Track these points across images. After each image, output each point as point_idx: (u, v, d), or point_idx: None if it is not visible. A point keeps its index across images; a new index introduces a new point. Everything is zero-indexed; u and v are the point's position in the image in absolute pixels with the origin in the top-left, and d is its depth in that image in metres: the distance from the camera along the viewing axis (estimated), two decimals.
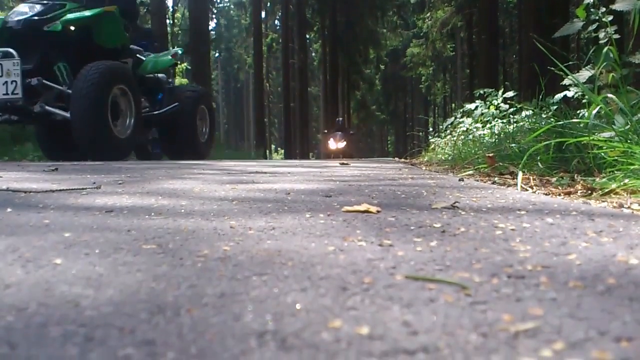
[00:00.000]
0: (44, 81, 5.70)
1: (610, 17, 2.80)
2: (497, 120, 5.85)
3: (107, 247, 0.92)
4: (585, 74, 2.89)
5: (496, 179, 2.83)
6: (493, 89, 6.83)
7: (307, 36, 32.34)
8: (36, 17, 5.91)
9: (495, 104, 6.34)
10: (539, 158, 2.83)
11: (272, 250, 0.89)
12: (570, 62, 3.30)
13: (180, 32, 29.27)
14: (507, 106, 6.02)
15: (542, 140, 2.84)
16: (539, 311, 0.56)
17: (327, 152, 19.39)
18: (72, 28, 5.95)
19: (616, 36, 2.78)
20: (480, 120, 6.49)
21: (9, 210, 1.41)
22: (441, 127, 9.66)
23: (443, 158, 6.35)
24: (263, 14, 34.33)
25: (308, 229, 1.10)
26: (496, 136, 5.00)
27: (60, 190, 1.95)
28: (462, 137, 6.53)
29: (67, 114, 5.71)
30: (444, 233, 1.04)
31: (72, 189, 1.98)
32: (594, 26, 2.86)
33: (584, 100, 3.19)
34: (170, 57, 7.60)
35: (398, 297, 0.62)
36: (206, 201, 1.63)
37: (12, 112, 5.91)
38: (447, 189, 2.03)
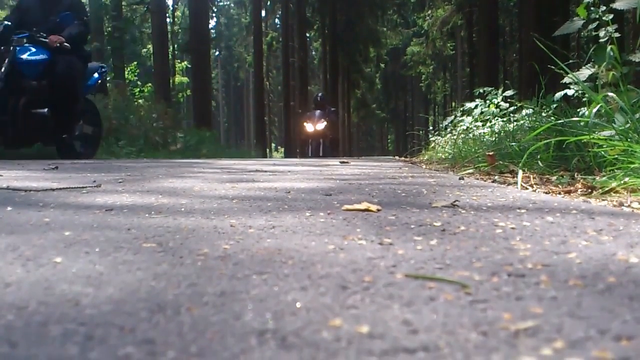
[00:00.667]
0: None
1: (611, 16, 2.80)
2: (497, 119, 5.85)
3: (107, 245, 0.92)
4: (585, 72, 2.89)
5: (496, 177, 2.83)
6: (493, 88, 6.83)
7: (307, 35, 32.32)
8: None
9: (496, 102, 6.34)
10: (539, 157, 2.82)
11: (272, 249, 0.89)
12: (570, 61, 3.29)
13: (180, 30, 29.24)
14: (507, 105, 6.02)
15: (542, 138, 2.84)
16: (539, 310, 0.56)
17: (304, 137, 15.64)
18: None
19: (617, 35, 2.78)
20: (481, 119, 6.48)
21: (9, 208, 1.41)
22: (441, 125, 9.65)
23: (443, 157, 6.35)
24: (263, 13, 34.31)
25: (308, 228, 1.10)
26: (496, 135, 5.00)
27: (60, 188, 1.95)
28: (462, 135, 6.53)
29: None
30: (444, 232, 1.04)
31: (72, 188, 1.98)
32: (595, 25, 2.86)
33: (584, 99, 3.18)
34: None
35: (398, 295, 0.62)
36: (206, 200, 1.63)
37: None
38: (447, 188, 2.03)
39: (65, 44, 6.23)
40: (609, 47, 2.69)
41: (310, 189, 2.02)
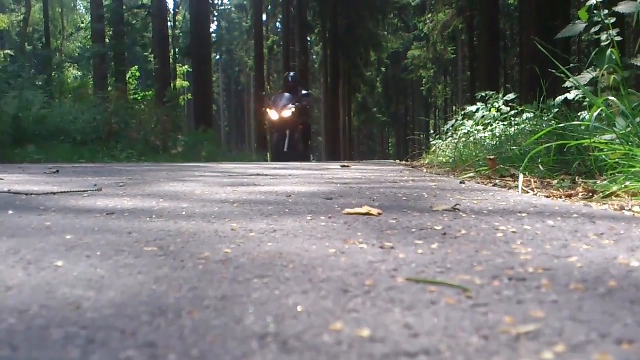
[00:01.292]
0: None
1: (613, 19, 2.80)
2: (498, 123, 5.85)
3: (109, 249, 0.92)
4: (586, 76, 2.89)
5: (497, 181, 2.83)
6: (494, 92, 6.82)
7: (308, 39, 32.34)
8: None
9: (497, 106, 6.33)
10: (540, 160, 2.82)
11: (273, 253, 0.89)
12: (571, 65, 3.30)
13: (181, 34, 29.29)
14: (508, 109, 6.01)
15: (543, 142, 2.84)
16: (540, 314, 0.56)
17: (269, 126, 12.43)
18: None
19: (618, 38, 2.78)
20: (482, 123, 6.48)
21: (10, 212, 1.41)
22: (442, 129, 9.64)
23: (444, 161, 6.34)
24: (264, 17, 34.38)
25: (309, 232, 1.10)
26: (497, 139, 5.00)
27: (61, 192, 1.96)
28: (463, 139, 6.52)
29: None
30: (445, 235, 1.04)
31: (73, 192, 1.99)
32: (596, 28, 2.86)
33: (585, 103, 3.18)
34: None
35: (399, 299, 0.62)
36: (207, 204, 1.64)
37: None
38: (448, 192, 2.03)
39: None
40: (609, 51, 2.69)
41: (311, 192, 2.02)
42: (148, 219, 1.30)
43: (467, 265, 0.79)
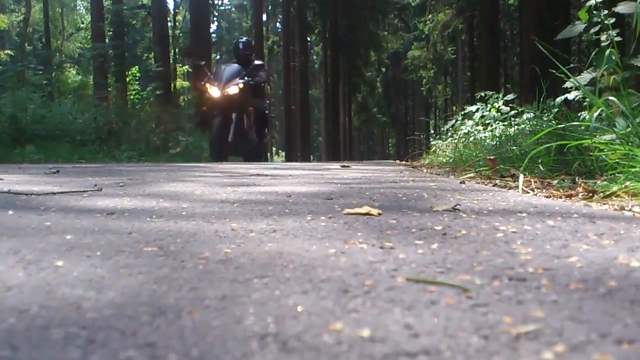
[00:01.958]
0: None
1: (613, 20, 2.80)
2: (498, 123, 5.85)
3: (109, 249, 0.92)
4: (586, 76, 2.89)
5: (497, 181, 2.83)
6: (494, 92, 6.82)
7: (308, 39, 32.35)
8: None
9: (497, 106, 6.33)
10: (540, 161, 2.82)
11: (273, 253, 0.89)
12: (571, 65, 3.29)
13: (181, 34, 29.28)
14: (508, 109, 6.01)
15: (543, 142, 2.84)
16: (540, 314, 0.56)
17: (208, 107, 8.77)
18: None
19: (618, 39, 2.78)
20: (482, 123, 6.48)
21: (10, 212, 1.41)
22: (442, 129, 9.64)
23: (444, 161, 6.34)
24: (264, 17, 34.38)
25: (309, 232, 1.10)
26: (497, 139, 5.00)
27: (61, 192, 1.96)
28: (463, 139, 6.52)
29: None
30: (445, 235, 1.04)
31: (73, 192, 1.99)
32: (596, 29, 2.86)
33: (585, 103, 3.18)
34: None
35: (399, 299, 0.62)
36: (207, 204, 1.64)
37: None
38: (448, 192, 2.03)
39: None
40: (608, 51, 2.69)
41: (311, 192, 2.02)
42: (148, 219, 1.30)
43: (467, 265, 0.79)
